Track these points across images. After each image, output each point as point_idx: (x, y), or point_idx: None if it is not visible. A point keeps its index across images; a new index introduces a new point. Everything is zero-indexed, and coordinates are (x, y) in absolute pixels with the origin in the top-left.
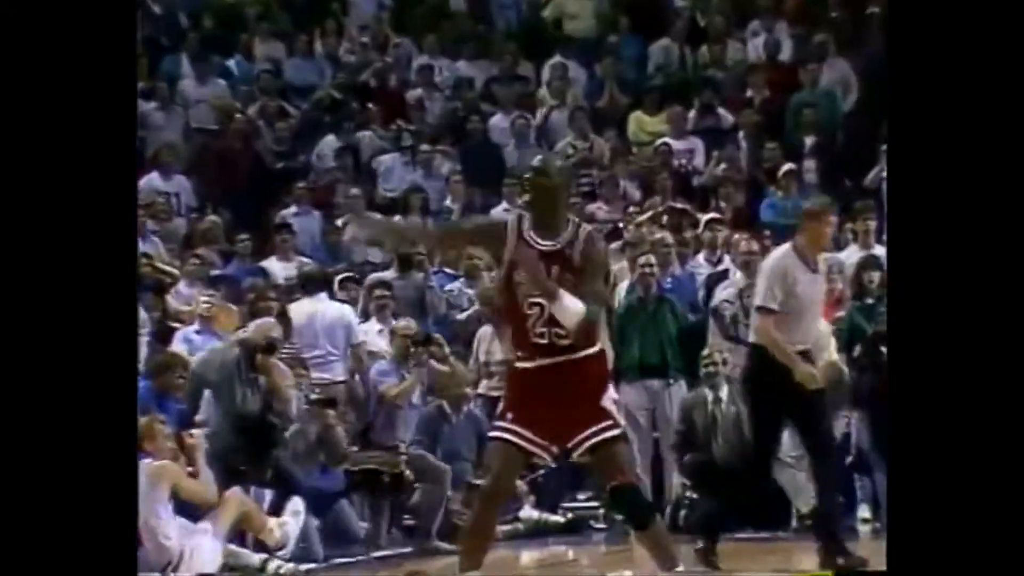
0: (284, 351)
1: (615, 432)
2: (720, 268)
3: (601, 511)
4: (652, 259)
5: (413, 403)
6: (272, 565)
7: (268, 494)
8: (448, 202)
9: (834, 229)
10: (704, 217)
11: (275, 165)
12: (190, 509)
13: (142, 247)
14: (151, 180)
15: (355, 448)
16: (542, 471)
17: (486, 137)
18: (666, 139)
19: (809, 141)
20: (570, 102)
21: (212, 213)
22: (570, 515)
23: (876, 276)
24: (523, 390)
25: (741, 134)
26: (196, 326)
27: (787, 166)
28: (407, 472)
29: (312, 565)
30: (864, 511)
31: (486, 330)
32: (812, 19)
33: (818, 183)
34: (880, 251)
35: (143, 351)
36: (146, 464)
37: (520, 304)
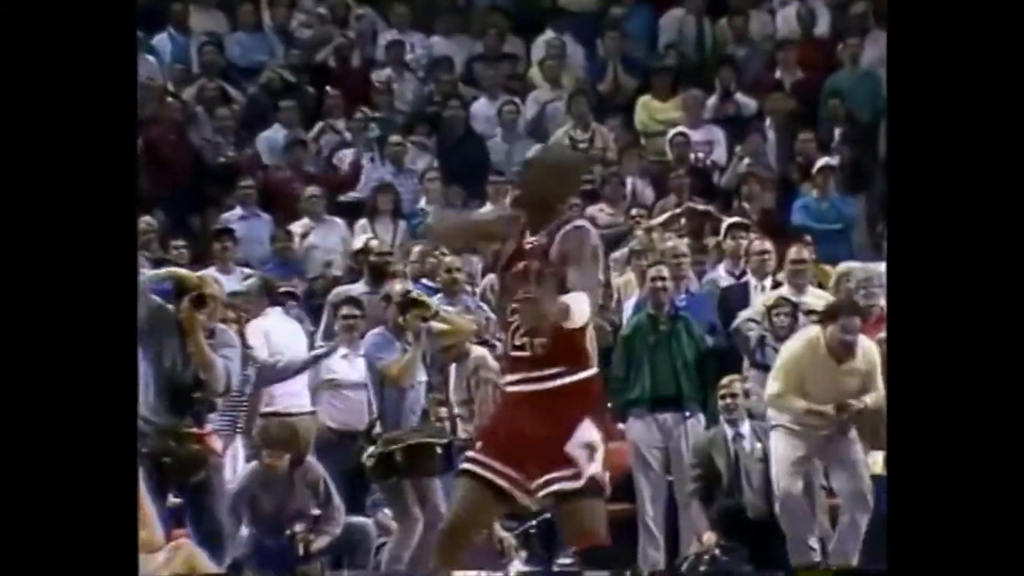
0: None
1: (574, 485)
2: (743, 281)
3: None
4: (664, 271)
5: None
6: None
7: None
8: (423, 203)
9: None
10: (726, 221)
11: (215, 160)
12: None
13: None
14: None
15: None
16: (533, 522)
17: (467, 126)
18: (681, 129)
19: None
20: (567, 85)
21: (142, 215)
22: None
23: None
24: (497, 413)
25: (768, 122)
26: None
27: (823, 160)
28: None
29: None
30: None
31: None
32: None
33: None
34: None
35: None
36: None
37: (505, 310)
